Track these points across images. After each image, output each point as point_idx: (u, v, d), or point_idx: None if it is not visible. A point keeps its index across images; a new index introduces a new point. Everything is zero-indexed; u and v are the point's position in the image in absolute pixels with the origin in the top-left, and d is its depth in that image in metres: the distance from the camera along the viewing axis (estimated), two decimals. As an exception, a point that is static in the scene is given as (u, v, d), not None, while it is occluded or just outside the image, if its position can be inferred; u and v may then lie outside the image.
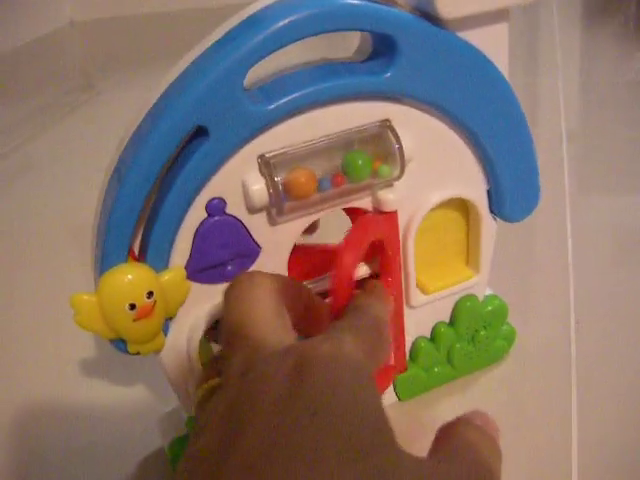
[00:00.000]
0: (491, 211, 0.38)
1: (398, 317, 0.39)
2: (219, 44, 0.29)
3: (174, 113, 0.28)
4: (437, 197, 0.36)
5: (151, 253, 0.30)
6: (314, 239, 0.38)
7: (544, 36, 1.14)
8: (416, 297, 0.39)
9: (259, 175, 0.30)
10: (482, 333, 0.42)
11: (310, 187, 0.30)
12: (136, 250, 0.31)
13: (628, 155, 0.72)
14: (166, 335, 0.33)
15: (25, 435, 0.45)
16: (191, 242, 0.31)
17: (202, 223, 0.31)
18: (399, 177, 0.33)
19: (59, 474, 0.42)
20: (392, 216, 0.35)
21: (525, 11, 1.24)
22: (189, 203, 0.30)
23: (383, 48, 0.32)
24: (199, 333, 0.33)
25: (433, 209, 0.36)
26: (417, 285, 0.39)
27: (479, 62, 0.32)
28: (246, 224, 0.32)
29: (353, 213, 0.36)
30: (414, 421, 0.41)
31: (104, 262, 0.30)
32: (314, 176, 0.31)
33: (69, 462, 0.42)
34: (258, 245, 0.33)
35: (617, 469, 0.37)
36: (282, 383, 0.20)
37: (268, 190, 0.30)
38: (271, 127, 0.30)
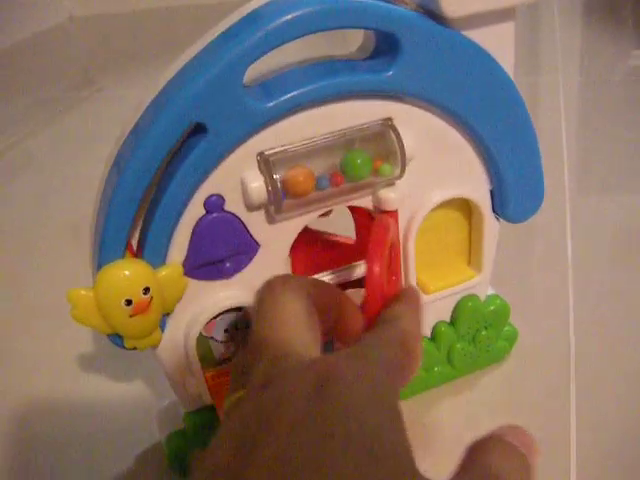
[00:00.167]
0: (494, 211, 0.38)
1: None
2: (220, 40, 0.29)
3: (173, 108, 0.28)
4: (439, 197, 0.36)
5: (149, 249, 0.30)
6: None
7: (545, 35, 1.13)
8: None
9: (258, 172, 0.30)
10: (483, 333, 0.42)
11: (308, 185, 0.30)
12: (134, 245, 0.31)
13: (628, 155, 0.71)
14: (163, 331, 0.33)
15: (22, 429, 0.45)
16: (189, 238, 0.31)
17: (200, 220, 0.31)
18: (400, 176, 0.33)
19: (56, 468, 0.42)
20: (395, 215, 0.35)
21: (526, 10, 1.23)
22: (187, 199, 0.30)
23: (386, 46, 0.31)
24: (196, 329, 0.33)
25: (435, 208, 0.36)
26: (418, 285, 0.38)
27: (484, 61, 0.32)
28: (245, 221, 0.32)
29: (357, 211, 0.36)
30: (414, 420, 0.40)
31: (101, 257, 0.29)
32: (312, 174, 0.30)
33: (66, 456, 0.43)
34: (257, 242, 0.32)
35: (615, 468, 0.37)
36: (301, 402, 0.20)
37: (267, 188, 0.30)
38: (271, 124, 0.30)
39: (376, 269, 0.30)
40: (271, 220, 0.32)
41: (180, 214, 0.30)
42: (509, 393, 0.43)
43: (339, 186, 0.31)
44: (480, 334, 0.42)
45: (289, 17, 0.27)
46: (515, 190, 0.36)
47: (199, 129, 0.29)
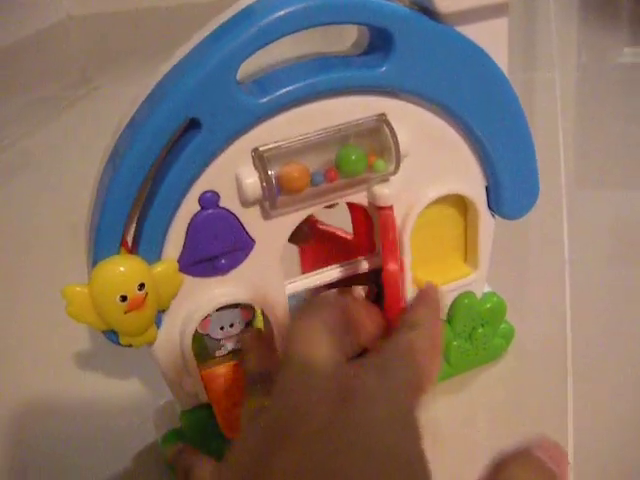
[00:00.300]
0: (489, 208, 0.38)
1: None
2: (213, 36, 0.29)
3: (168, 104, 0.28)
4: (434, 193, 0.36)
5: (143, 245, 0.30)
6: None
7: (541, 31, 1.13)
8: (412, 294, 0.38)
9: (252, 168, 0.30)
10: (480, 331, 0.42)
11: (303, 181, 0.30)
12: (129, 242, 0.31)
13: (624, 151, 0.71)
14: (159, 328, 0.33)
15: (18, 429, 0.45)
16: (184, 235, 0.31)
17: (195, 216, 0.31)
18: (395, 172, 0.33)
19: (53, 467, 0.42)
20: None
21: (522, 6, 1.23)
22: (182, 195, 0.30)
23: (380, 42, 0.31)
24: (192, 326, 0.33)
25: (430, 205, 0.36)
26: (413, 281, 0.38)
27: (477, 57, 0.32)
28: (240, 217, 0.32)
29: (354, 206, 0.36)
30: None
31: (97, 252, 0.29)
32: (307, 170, 0.30)
33: (63, 455, 0.42)
34: (252, 238, 0.32)
35: (613, 464, 0.37)
36: (323, 413, 0.21)
37: (261, 184, 0.30)
38: (265, 120, 0.30)
39: (393, 267, 0.30)
40: (266, 216, 0.32)
41: (175, 210, 0.30)
42: (506, 390, 0.42)
43: (334, 182, 0.31)
44: (477, 332, 0.42)
45: (282, 13, 0.28)
46: (510, 186, 0.36)
47: (194, 125, 0.29)
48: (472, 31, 0.32)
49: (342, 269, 0.37)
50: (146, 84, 0.30)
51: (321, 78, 0.30)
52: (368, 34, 0.33)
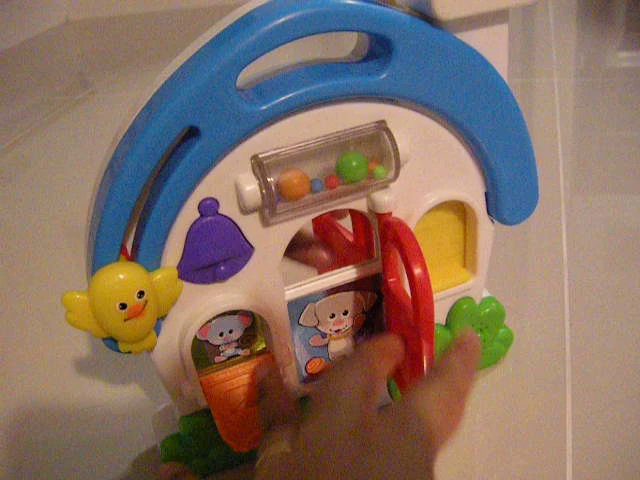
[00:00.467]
0: (489, 214, 0.38)
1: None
2: (212, 43, 0.29)
3: (167, 112, 0.28)
4: (433, 199, 0.36)
5: (143, 252, 0.30)
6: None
7: (539, 37, 1.14)
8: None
9: (252, 175, 0.30)
10: (479, 336, 0.42)
11: (303, 188, 0.30)
12: (129, 249, 0.31)
13: (624, 155, 0.71)
14: (158, 334, 0.33)
15: (18, 434, 0.45)
16: (183, 242, 0.31)
17: (195, 223, 0.31)
18: (394, 179, 0.33)
19: (52, 472, 0.42)
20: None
21: (521, 12, 1.23)
22: (182, 203, 0.30)
23: (379, 49, 0.31)
24: (191, 333, 0.33)
25: (430, 211, 0.36)
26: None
27: (477, 64, 0.32)
28: (239, 224, 0.32)
29: (358, 214, 0.36)
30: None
31: (96, 260, 0.29)
32: (307, 177, 0.30)
33: (62, 460, 0.42)
34: (251, 246, 0.32)
35: (612, 469, 0.37)
36: (343, 464, 0.22)
37: (261, 191, 0.30)
38: (264, 127, 0.30)
39: (418, 271, 0.30)
40: (265, 223, 0.32)
41: (174, 217, 0.30)
42: (505, 395, 0.43)
43: (333, 189, 0.31)
44: (476, 336, 0.42)
45: (281, 21, 0.27)
46: (509, 192, 0.36)
47: (193, 132, 0.29)
48: (472, 38, 0.31)
49: (341, 275, 0.37)
50: (145, 91, 0.30)
51: (321, 85, 0.30)
52: (368, 41, 0.32)
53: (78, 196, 0.37)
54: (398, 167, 0.32)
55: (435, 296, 0.39)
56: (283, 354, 0.36)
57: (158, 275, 0.31)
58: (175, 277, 0.31)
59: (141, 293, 0.30)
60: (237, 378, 0.36)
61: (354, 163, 0.31)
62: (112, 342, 0.31)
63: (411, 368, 0.36)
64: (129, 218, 0.29)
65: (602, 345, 0.46)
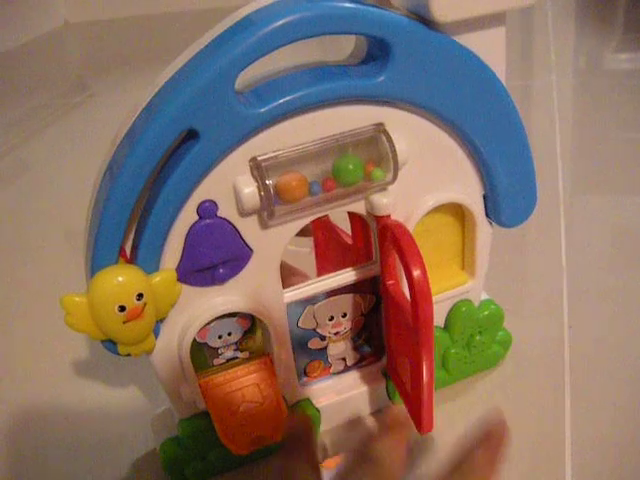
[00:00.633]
0: (487, 216, 0.38)
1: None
2: (211, 46, 0.29)
3: (166, 115, 0.28)
4: (432, 202, 0.36)
5: (142, 255, 0.30)
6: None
7: (538, 38, 1.14)
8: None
9: (251, 178, 0.30)
10: (477, 338, 0.42)
11: (301, 191, 0.30)
12: (128, 251, 0.31)
13: (622, 156, 0.72)
14: (157, 337, 0.33)
15: (18, 436, 0.45)
16: (182, 244, 0.31)
17: (193, 225, 0.31)
18: (393, 181, 0.33)
19: (51, 474, 0.42)
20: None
21: (519, 14, 1.24)
22: (180, 205, 0.30)
23: (377, 52, 0.31)
24: (190, 335, 0.33)
25: (428, 213, 0.36)
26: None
27: (475, 66, 0.32)
28: (238, 227, 0.32)
29: (356, 216, 0.36)
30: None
31: (95, 262, 0.29)
32: (305, 180, 0.30)
33: (62, 463, 0.42)
34: (250, 248, 0.32)
35: (610, 471, 0.37)
36: None
37: (259, 193, 0.30)
38: (263, 130, 0.30)
39: (417, 273, 0.31)
40: (264, 226, 0.32)
41: (173, 220, 0.30)
42: (504, 397, 0.43)
43: (331, 191, 0.31)
44: (474, 339, 0.42)
45: (280, 23, 0.28)
46: (508, 195, 0.36)
47: (192, 135, 0.29)
48: (470, 40, 0.32)
49: (340, 277, 0.37)
50: (144, 94, 0.30)
51: (319, 88, 0.30)
52: (366, 43, 0.33)
53: (77, 199, 0.37)
54: (396, 170, 0.32)
55: (434, 299, 0.39)
56: (282, 357, 0.36)
57: (157, 277, 0.31)
58: (174, 279, 0.31)
59: (140, 295, 0.30)
60: (236, 381, 0.36)
61: (350, 166, 0.31)
62: (111, 344, 0.31)
63: (410, 371, 0.36)
64: (128, 220, 0.29)
65: (601, 347, 0.46)
